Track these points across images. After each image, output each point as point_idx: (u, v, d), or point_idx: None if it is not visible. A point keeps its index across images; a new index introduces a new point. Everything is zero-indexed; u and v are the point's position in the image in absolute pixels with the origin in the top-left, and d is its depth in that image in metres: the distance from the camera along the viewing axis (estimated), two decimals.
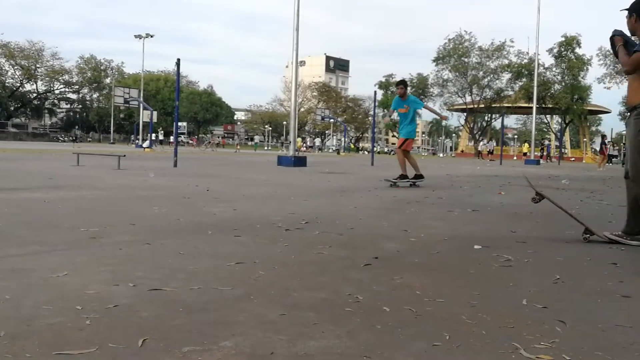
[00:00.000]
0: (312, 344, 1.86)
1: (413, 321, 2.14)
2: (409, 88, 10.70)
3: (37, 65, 75.29)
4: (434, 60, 67.59)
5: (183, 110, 60.28)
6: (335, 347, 1.84)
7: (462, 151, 72.96)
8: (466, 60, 65.77)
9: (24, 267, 2.79)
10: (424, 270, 3.07)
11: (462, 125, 76.36)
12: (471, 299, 2.47)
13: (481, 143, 54.57)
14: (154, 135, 40.12)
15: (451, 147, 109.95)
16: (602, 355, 1.84)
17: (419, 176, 9.76)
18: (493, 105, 65.02)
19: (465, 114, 70.99)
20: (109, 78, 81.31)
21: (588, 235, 4.23)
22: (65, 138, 59.73)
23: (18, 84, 76.40)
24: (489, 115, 70.22)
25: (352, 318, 2.15)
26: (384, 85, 75.56)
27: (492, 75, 65.62)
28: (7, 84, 74.73)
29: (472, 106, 67.28)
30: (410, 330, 2.03)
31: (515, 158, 55.01)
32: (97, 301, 2.24)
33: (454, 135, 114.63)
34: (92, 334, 1.87)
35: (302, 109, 72.77)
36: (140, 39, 57.41)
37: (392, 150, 75.20)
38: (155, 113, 41.26)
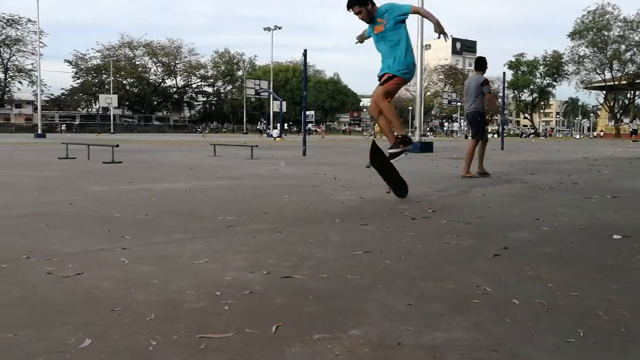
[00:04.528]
0: (439, 335, 1.87)
1: (544, 315, 2.08)
2: None
3: (177, 62, 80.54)
4: (569, 35, 63.78)
5: (310, 99, 61.58)
6: (463, 339, 1.83)
7: (602, 132, 68.21)
8: (607, 33, 61.38)
9: (170, 253, 3.04)
10: (557, 261, 2.95)
11: (601, 104, 71.42)
12: (609, 294, 2.35)
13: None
14: (278, 125, 41.05)
15: (589, 128, 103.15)
16: None
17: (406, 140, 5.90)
18: (637, 81, 60.15)
19: (604, 92, 66.38)
20: (241, 71, 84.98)
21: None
22: (199, 129, 63.81)
23: (160, 80, 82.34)
24: (632, 92, 65.13)
25: (480, 310, 2.13)
26: (514, 65, 72.52)
27: (636, 49, 60.72)
28: (150, 81, 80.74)
29: (612, 83, 62.76)
30: (541, 325, 1.98)
31: None
32: (234, 287, 2.40)
33: (592, 115, 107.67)
34: (230, 319, 2.01)
35: (428, 93, 71.67)
36: (269, 31, 59.17)
37: (528, 134, 71.77)
38: (284, 103, 42.43)
